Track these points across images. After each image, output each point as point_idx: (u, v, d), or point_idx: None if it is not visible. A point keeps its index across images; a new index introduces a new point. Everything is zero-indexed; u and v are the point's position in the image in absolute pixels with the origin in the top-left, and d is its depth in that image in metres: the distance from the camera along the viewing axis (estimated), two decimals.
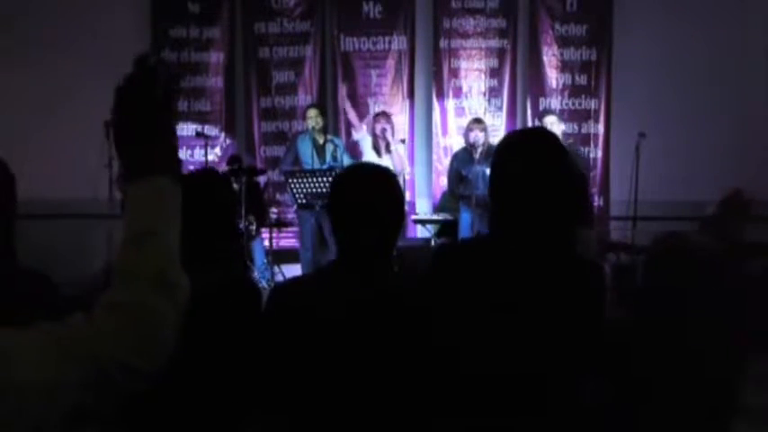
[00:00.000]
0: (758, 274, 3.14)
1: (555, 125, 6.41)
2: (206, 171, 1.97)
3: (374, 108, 7.61)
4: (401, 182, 6.36)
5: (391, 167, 6.25)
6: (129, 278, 1.04)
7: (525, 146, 1.79)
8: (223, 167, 7.01)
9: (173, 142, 1.13)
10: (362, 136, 6.59)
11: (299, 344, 1.69)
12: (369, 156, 6.37)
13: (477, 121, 6.63)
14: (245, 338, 1.80)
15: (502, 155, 1.80)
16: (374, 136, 6.38)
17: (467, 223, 6.30)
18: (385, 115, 6.42)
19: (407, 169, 6.50)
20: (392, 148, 6.22)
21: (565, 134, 6.61)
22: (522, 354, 1.68)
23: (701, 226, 5.36)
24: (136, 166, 1.10)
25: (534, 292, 1.69)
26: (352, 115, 6.91)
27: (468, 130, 6.50)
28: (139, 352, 1.01)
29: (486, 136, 6.37)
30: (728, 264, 1.98)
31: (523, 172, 1.73)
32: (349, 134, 7.68)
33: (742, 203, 5.28)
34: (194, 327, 1.70)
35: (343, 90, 7.10)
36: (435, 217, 7.02)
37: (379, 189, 1.77)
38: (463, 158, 6.44)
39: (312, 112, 6.67)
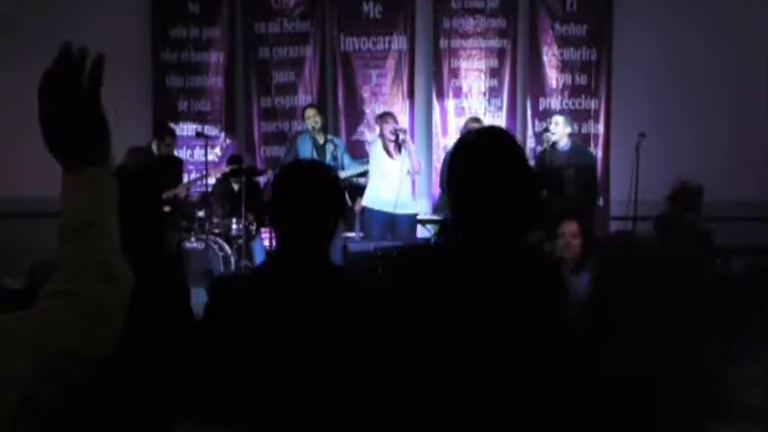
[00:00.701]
0: (739, 271, 3.15)
1: (560, 125, 6.40)
2: (120, 169, 1.98)
3: (375, 108, 7.62)
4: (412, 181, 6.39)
5: (408, 169, 6.27)
6: (74, 269, 1.04)
7: (479, 146, 1.77)
8: (223, 167, 7.01)
9: (104, 132, 1.10)
10: (373, 138, 6.56)
11: (232, 337, 1.73)
12: (380, 158, 6.34)
13: (476, 120, 6.63)
14: (178, 330, 1.84)
15: (456, 156, 1.79)
16: (382, 137, 6.32)
17: None
18: (391, 115, 6.37)
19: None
20: (408, 148, 6.23)
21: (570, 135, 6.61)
22: (481, 354, 1.66)
23: (654, 225, 5.35)
24: (67, 159, 1.08)
25: (492, 293, 1.67)
26: (370, 116, 6.91)
27: (467, 128, 6.50)
28: (87, 338, 1.01)
29: None
30: (671, 260, 1.98)
31: (478, 172, 1.71)
32: (350, 134, 7.68)
33: (691, 195, 5.26)
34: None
35: (364, 90, 7.09)
36: (435, 217, 7.02)
37: (308, 187, 1.81)
38: None
39: (310, 112, 6.66)
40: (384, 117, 6.38)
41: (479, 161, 1.73)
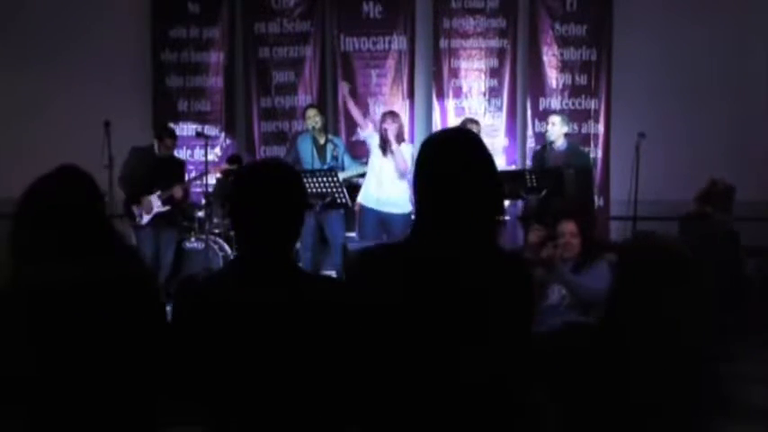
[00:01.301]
0: (753, 273, 3.15)
1: (557, 125, 6.42)
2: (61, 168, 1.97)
3: (375, 108, 7.62)
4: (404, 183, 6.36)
5: (391, 170, 6.25)
6: None
7: (446, 145, 1.79)
8: (223, 167, 7.01)
9: None
10: (369, 134, 6.53)
11: (197, 338, 1.74)
12: (374, 154, 6.35)
13: (473, 121, 6.63)
14: (132, 332, 1.83)
15: (424, 155, 1.79)
16: (380, 135, 6.33)
17: None
18: (391, 115, 6.35)
19: (411, 168, 6.45)
20: (393, 148, 6.17)
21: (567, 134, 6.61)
22: (447, 353, 1.66)
23: (680, 225, 5.31)
24: None
25: (457, 291, 1.67)
26: (355, 113, 6.86)
27: None
28: None
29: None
30: (697, 262, 1.97)
31: (446, 171, 1.72)
32: (350, 134, 7.68)
33: (721, 193, 5.23)
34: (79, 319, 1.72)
35: (344, 89, 7.07)
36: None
37: (271, 188, 1.79)
38: None
39: (311, 112, 6.66)
40: (384, 116, 6.37)
41: (442, 158, 1.74)
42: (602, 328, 2.01)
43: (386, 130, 6.14)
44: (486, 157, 1.76)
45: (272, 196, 1.79)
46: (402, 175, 6.23)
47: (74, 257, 1.80)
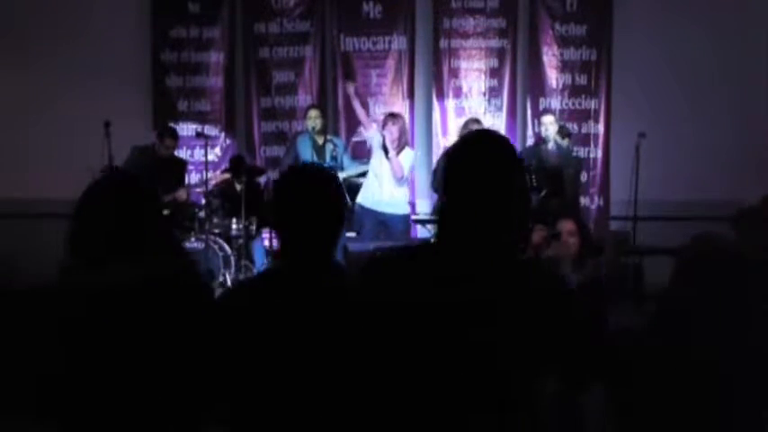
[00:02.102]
0: None
1: (554, 125, 6.45)
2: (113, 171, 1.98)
3: (375, 108, 7.62)
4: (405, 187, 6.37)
5: (390, 173, 6.25)
6: None
7: (480, 148, 1.77)
8: (224, 177, 7.02)
9: None
10: (372, 134, 6.53)
11: (242, 344, 1.74)
12: (376, 155, 6.34)
13: (476, 121, 6.63)
14: (189, 334, 1.82)
15: (456, 157, 1.78)
16: (383, 136, 6.32)
17: None
18: (392, 117, 6.33)
19: (407, 175, 6.42)
20: (390, 155, 6.18)
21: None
22: (466, 356, 1.65)
23: (736, 220, 5.23)
24: None
25: (479, 295, 1.65)
26: (360, 112, 6.85)
27: (467, 128, 6.51)
28: None
29: None
30: (761, 266, 1.96)
31: (478, 174, 1.70)
32: (350, 134, 7.68)
33: None
34: (130, 319, 1.72)
35: (350, 88, 7.04)
36: (435, 217, 7.00)
37: (313, 192, 1.81)
38: None
39: (313, 113, 6.66)
40: (385, 119, 6.37)
41: (477, 162, 1.72)
42: (655, 330, 1.98)
43: (384, 136, 6.14)
44: (517, 164, 1.76)
45: (315, 199, 1.81)
46: (398, 181, 6.24)
47: (132, 257, 1.81)
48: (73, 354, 1.72)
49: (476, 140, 1.84)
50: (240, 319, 1.78)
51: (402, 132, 6.24)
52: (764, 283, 1.96)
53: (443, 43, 7.71)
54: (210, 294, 1.98)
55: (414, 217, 7.00)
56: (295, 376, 1.72)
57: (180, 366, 1.78)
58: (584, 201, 7.48)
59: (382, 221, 6.29)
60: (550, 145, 6.46)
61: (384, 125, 6.23)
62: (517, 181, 1.74)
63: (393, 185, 6.26)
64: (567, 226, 4.18)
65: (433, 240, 1.83)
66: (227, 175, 6.94)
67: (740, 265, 1.94)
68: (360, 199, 6.40)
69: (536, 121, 7.63)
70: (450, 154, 1.82)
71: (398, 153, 6.22)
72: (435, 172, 6.72)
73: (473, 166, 1.72)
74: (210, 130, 7.58)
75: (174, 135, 6.76)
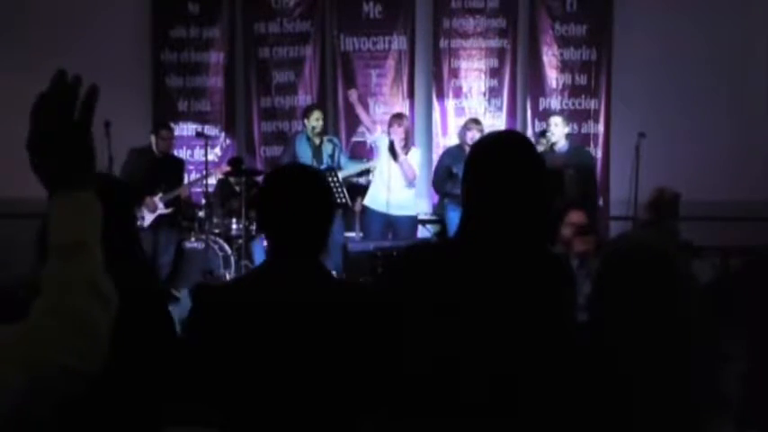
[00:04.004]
0: (741, 269, 3.10)
1: (559, 126, 6.42)
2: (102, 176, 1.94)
3: (375, 108, 7.62)
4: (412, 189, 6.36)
5: (400, 175, 6.25)
6: (64, 287, 1.06)
7: (505, 148, 1.80)
8: (224, 168, 7.02)
9: (91, 158, 1.18)
10: (379, 137, 6.52)
11: (222, 343, 1.74)
12: (383, 158, 6.33)
13: (476, 121, 6.62)
14: (163, 340, 1.82)
15: (479, 155, 1.80)
16: (389, 141, 6.31)
17: (455, 223, 6.26)
18: (397, 118, 6.32)
19: (418, 174, 6.43)
20: (401, 159, 6.18)
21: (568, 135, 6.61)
22: (488, 353, 1.66)
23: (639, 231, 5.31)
24: (55, 181, 1.13)
25: (504, 291, 1.68)
26: (364, 118, 6.86)
27: (466, 129, 6.51)
28: (80, 354, 1.04)
29: None
30: (676, 261, 1.96)
31: (503, 173, 1.73)
32: (350, 134, 7.68)
33: (669, 202, 5.24)
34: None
35: (353, 96, 7.04)
36: (435, 217, 7.01)
37: (295, 192, 1.81)
38: (456, 155, 6.39)
39: (316, 114, 6.65)
40: (390, 120, 6.36)
41: (503, 162, 1.75)
42: (586, 328, 2.00)
43: (392, 141, 6.14)
44: (538, 161, 1.79)
45: (301, 199, 1.80)
46: (410, 183, 6.25)
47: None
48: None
49: (503, 140, 1.87)
50: (222, 318, 1.77)
51: (408, 132, 6.27)
52: (685, 276, 1.98)
53: (443, 43, 7.71)
54: (166, 300, 1.96)
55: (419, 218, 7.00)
56: (277, 376, 1.71)
57: (134, 375, 1.77)
58: None
59: (390, 223, 6.31)
60: (560, 146, 6.43)
61: (390, 127, 6.23)
62: (543, 178, 1.77)
63: (402, 187, 6.26)
64: (576, 216, 4.20)
65: (453, 238, 1.83)
66: (227, 168, 6.92)
67: (663, 261, 1.94)
68: (367, 201, 6.40)
69: (536, 121, 7.64)
70: (476, 153, 1.83)
71: (406, 153, 6.23)
72: (437, 171, 6.72)
73: (504, 165, 1.74)
74: (210, 130, 7.58)
75: (168, 126, 6.77)
